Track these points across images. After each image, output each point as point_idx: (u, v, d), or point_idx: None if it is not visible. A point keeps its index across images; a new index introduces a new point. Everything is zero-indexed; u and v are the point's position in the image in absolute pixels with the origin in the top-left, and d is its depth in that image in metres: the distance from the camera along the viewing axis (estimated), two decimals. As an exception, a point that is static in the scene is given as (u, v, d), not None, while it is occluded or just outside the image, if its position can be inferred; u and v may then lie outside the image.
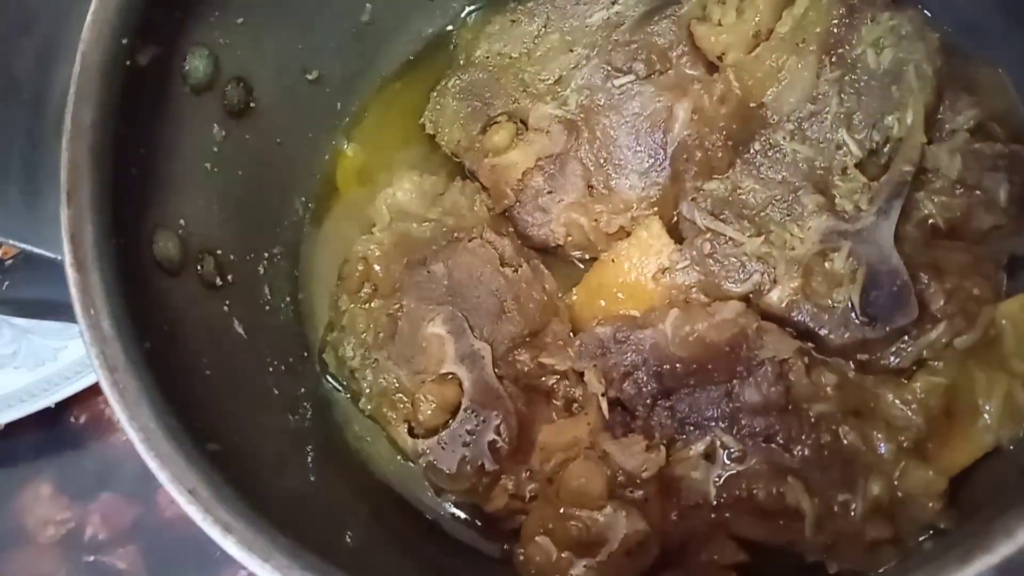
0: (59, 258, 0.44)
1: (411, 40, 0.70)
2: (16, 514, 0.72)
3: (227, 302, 0.55)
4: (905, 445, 0.54)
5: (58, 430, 0.75)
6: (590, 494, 0.55)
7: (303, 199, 0.65)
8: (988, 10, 0.58)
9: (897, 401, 0.54)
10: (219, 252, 0.56)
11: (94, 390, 0.72)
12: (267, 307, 0.60)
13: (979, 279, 0.55)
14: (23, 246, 0.44)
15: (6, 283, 0.48)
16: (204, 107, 0.54)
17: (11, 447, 0.75)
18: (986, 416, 0.53)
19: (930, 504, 0.53)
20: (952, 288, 0.55)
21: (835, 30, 0.60)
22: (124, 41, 0.44)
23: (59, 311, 0.50)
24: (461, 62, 0.68)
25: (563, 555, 0.54)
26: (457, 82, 0.66)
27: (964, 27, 0.60)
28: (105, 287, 0.41)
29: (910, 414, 0.54)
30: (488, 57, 0.67)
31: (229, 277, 0.56)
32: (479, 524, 0.60)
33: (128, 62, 0.45)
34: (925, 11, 0.60)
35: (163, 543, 0.71)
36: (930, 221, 0.56)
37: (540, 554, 0.54)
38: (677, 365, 0.56)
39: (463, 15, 0.71)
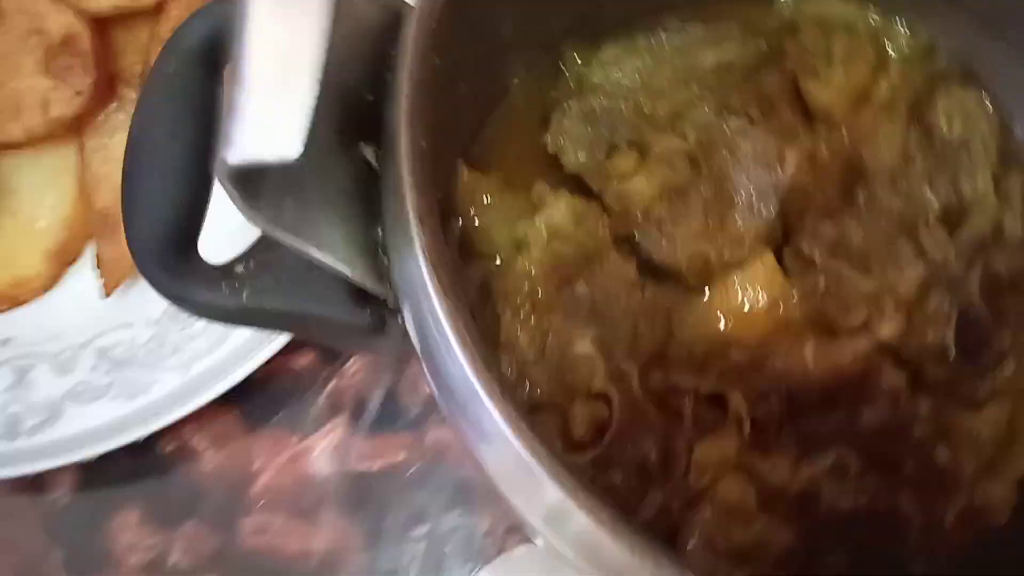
0: (333, 264, 0.42)
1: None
2: (105, 539, 0.68)
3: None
4: (982, 463, 0.64)
5: (148, 459, 0.74)
6: (745, 509, 0.60)
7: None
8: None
9: (975, 425, 0.65)
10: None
11: (183, 421, 0.72)
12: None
13: (1032, 325, 0.67)
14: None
15: (244, 292, 0.44)
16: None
17: (103, 474, 0.73)
18: (1040, 440, 0.65)
19: (1001, 514, 0.63)
20: (1015, 332, 0.66)
21: (919, 99, 0.69)
22: (438, 61, 0.43)
23: (298, 323, 0.47)
24: (573, 86, 0.70)
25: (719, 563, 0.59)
26: (579, 106, 0.68)
27: (1016, 108, 0.71)
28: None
29: (983, 436, 0.65)
30: (607, 85, 0.69)
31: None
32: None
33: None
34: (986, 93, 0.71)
35: (242, 571, 0.68)
36: (998, 275, 0.67)
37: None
38: (811, 392, 0.62)
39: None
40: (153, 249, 0.43)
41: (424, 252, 0.39)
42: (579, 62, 0.70)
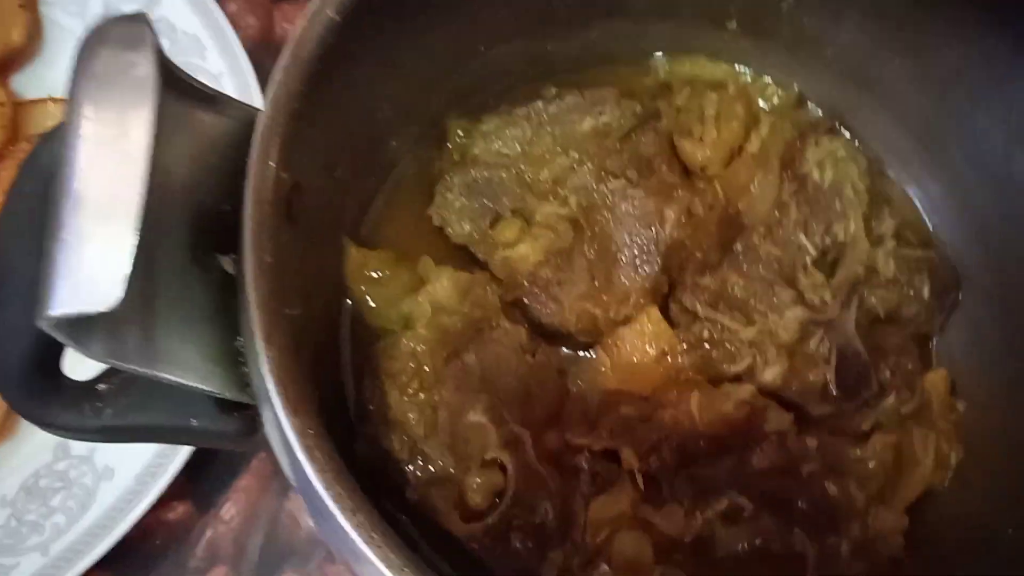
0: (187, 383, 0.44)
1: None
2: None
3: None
4: (872, 493, 0.66)
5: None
6: (641, 562, 0.62)
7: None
8: (902, 139, 0.73)
9: (861, 458, 0.67)
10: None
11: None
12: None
13: (910, 356, 0.69)
14: (152, 374, 0.42)
15: (107, 411, 0.45)
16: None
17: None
18: (925, 465, 0.68)
19: (894, 540, 0.66)
20: (894, 364, 0.69)
21: (789, 151, 0.72)
22: (284, 175, 0.45)
23: (166, 435, 0.49)
24: (456, 158, 0.72)
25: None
26: (461, 178, 0.70)
27: (883, 151, 0.74)
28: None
29: (871, 467, 0.67)
30: (487, 156, 0.71)
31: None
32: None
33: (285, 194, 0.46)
34: (856, 138, 0.74)
35: None
36: (873, 311, 0.70)
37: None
38: (700, 440, 0.65)
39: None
40: (15, 373, 0.44)
41: (270, 370, 0.41)
42: (460, 135, 0.73)
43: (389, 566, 0.40)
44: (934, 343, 0.73)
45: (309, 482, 0.41)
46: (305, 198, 0.59)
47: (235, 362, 0.46)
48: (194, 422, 0.47)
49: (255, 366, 0.42)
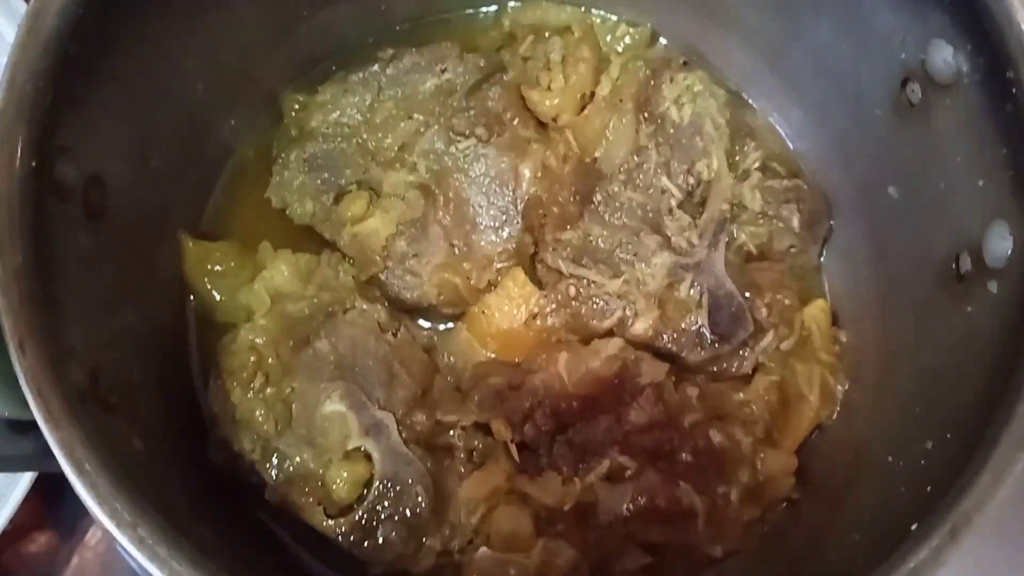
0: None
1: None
2: None
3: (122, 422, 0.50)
4: (759, 436, 0.64)
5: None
6: (520, 536, 0.59)
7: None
8: (759, 69, 0.70)
9: (745, 401, 0.65)
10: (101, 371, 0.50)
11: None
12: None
13: (787, 291, 0.67)
14: None
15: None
16: (72, 215, 0.49)
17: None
18: (811, 400, 0.66)
19: (785, 480, 0.64)
20: (770, 301, 0.66)
21: (644, 90, 0.69)
22: (37, 164, 0.40)
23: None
24: (294, 134, 0.68)
25: (506, 599, 0.57)
26: (299, 155, 0.66)
27: (742, 83, 0.72)
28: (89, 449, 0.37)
29: (755, 410, 0.65)
30: (325, 128, 0.67)
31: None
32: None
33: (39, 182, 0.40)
34: (713, 72, 0.71)
35: None
36: (744, 248, 0.68)
37: (485, 603, 0.57)
38: (573, 402, 0.61)
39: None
40: None
41: (28, 381, 0.37)
42: (296, 109, 0.68)
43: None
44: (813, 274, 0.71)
45: (83, 498, 0.36)
46: (113, 192, 0.54)
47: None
48: (-15, 446, 0.42)
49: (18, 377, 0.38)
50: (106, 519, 0.36)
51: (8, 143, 0.40)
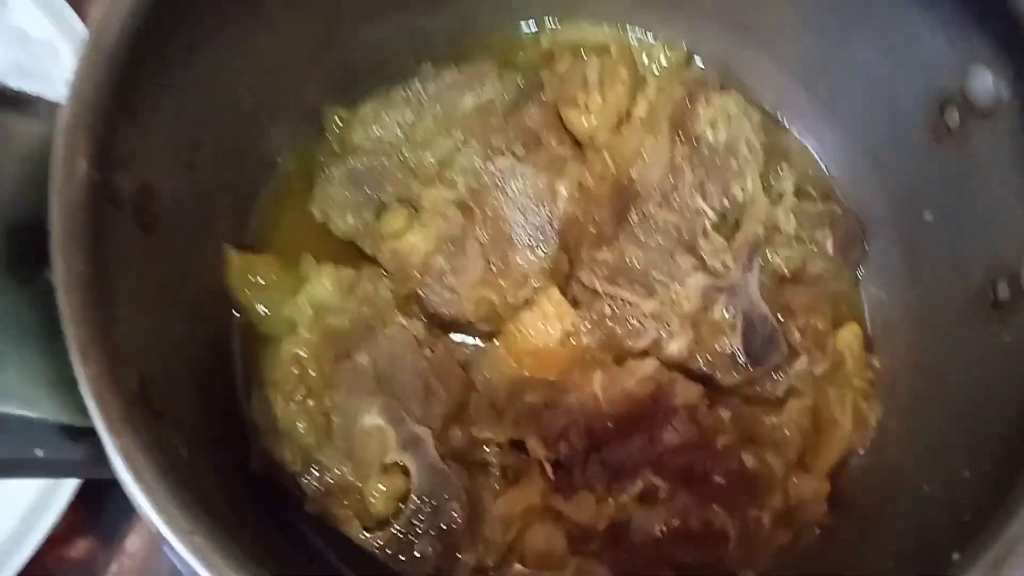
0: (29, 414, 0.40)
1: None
2: None
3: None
4: (791, 460, 0.64)
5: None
6: (554, 554, 0.59)
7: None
8: (794, 90, 0.71)
9: (777, 425, 0.65)
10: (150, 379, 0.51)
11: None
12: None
13: (820, 315, 0.67)
14: None
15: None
16: (126, 224, 0.50)
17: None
18: (844, 425, 0.66)
19: (817, 506, 0.64)
20: (803, 325, 0.67)
21: (680, 111, 0.69)
22: (98, 175, 0.41)
23: (9, 469, 0.45)
24: (337, 148, 0.69)
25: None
26: (342, 170, 0.67)
27: (777, 104, 0.72)
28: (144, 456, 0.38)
29: (788, 434, 0.65)
30: (367, 143, 0.68)
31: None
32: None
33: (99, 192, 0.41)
34: (748, 94, 0.72)
35: None
36: (778, 271, 0.68)
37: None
38: (607, 421, 0.62)
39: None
40: None
41: (90, 388, 0.38)
42: (339, 123, 0.69)
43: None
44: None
45: (140, 505, 0.37)
46: (163, 203, 0.55)
47: (73, 384, 0.42)
48: (39, 452, 0.43)
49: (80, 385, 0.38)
50: (164, 526, 0.37)
51: (73, 154, 0.41)
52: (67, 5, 0.76)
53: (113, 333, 0.42)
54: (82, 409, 0.42)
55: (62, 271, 0.39)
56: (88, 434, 0.43)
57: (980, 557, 0.43)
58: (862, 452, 0.66)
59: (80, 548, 0.74)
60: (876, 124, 0.66)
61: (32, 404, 0.39)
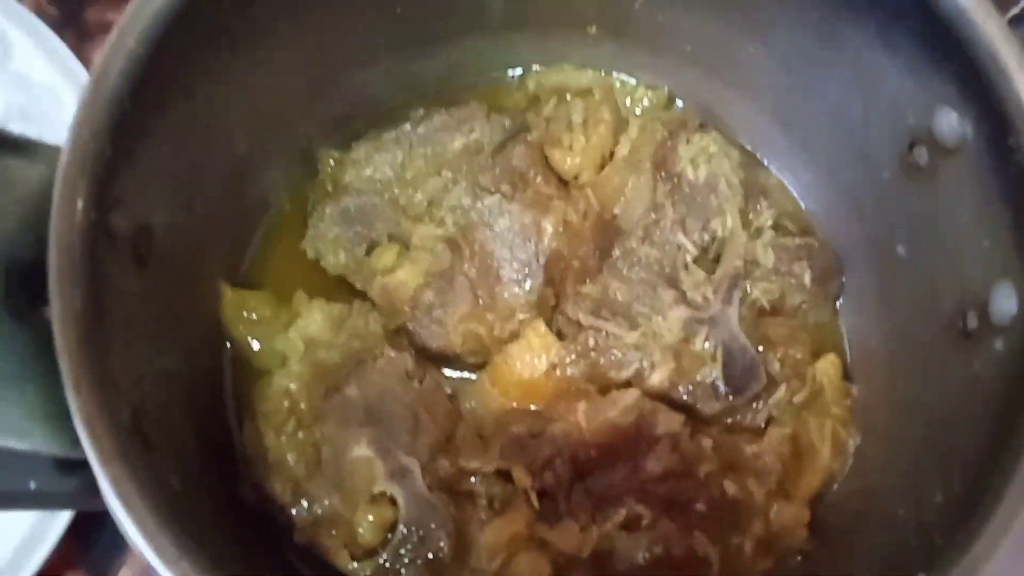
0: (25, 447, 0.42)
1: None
2: None
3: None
4: (772, 488, 0.66)
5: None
6: (540, 582, 0.60)
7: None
8: (771, 130, 0.73)
9: (758, 453, 0.67)
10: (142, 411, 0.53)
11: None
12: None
13: (799, 346, 0.69)
14: None
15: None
16: (122, 262, 0.52)
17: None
18: (823, 453, 0.67)
19: (798, 532, 0.65)
20: (783, 356, 0.68)
21: (661, 151, 0.72)
22: (95, 215, 0.43)
23: (15, 502, 0.46)
24: (329, 188, 0.71)
25: (524, 643, 0.59)
26: (334, 208, 0.69)
27: (755, 143, 0.75)
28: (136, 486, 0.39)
29: (768, 462, 0.66)
30: (359, 183, 0.70)
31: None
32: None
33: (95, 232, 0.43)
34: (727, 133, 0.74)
35: None
36: (757, 303, 0.70)
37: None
38: (591, 451, 0.63)
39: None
40: None
41: (81, 420, 0.39)
42: (332, 164, 0.71)
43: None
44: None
45: (131, 536, 0.39)
46: (158, 240, 0.57)
47: (68, 417, 0.43)
48: (32, 484, 0.44)
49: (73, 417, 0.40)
50: (154, 556, 0.39)
51: (72, 196, 0.43)
52: (69, 51, 0.79)
53: (106, 365, 0.44)
54: (76, 441, 0.44)
55: (58, 307, 0.41)
56: (81, 466, 0.45)
57: (943, 576, 0.45)
58: (841, 479, 0.67)
59: (70, 582, 0.75)
60: (850, 162, 0.68)
61: (27, 437, 0.41)
